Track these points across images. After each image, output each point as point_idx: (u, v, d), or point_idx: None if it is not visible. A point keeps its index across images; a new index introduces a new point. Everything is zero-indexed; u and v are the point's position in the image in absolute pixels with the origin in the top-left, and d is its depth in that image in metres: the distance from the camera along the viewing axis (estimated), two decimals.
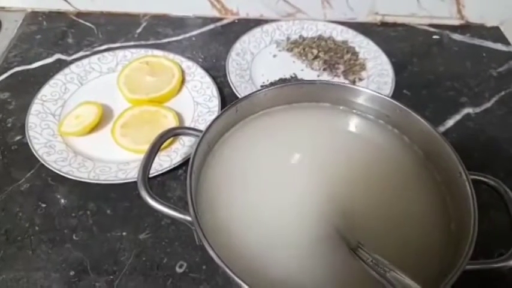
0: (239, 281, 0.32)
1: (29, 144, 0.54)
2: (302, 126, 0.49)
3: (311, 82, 0.54)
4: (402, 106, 0.45)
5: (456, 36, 0.79)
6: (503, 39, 0.78)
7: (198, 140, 0.41)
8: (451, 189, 0.42)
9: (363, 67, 0.69)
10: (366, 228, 0.40)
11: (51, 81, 0.62)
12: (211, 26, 0.77)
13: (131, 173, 0.52)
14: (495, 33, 0.79)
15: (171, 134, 0.45)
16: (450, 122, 0.63)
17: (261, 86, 0.65)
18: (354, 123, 0.49)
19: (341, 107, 0.49)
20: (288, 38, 0.74)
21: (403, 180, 0.45)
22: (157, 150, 0.43)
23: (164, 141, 0.44)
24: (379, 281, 0.33)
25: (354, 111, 0.49)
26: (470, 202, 0.37)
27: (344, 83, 0.55)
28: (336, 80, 0.67)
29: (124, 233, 0.49)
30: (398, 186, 0.44)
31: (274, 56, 0.72)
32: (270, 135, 0.48)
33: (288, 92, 0.49)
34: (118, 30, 0.75)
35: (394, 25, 0.80)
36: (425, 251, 0.39)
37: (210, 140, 0.44)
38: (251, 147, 0.46)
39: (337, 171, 0.45)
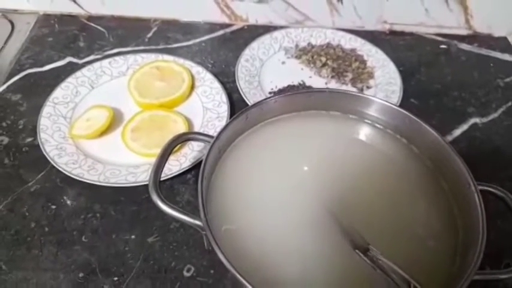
0: (248, 286, 0.32)
1: (41, 146, 0.54)
2: (311, 134, 0.49)
3: (321, 90, 0.55)
4: (412, 116, 0.45)
5: (464, 46, 0.79)
6: (510, 50, 0.79)
7: (209, 146, 0.41)
8: (458, 199, 0.42)
9: (371, 75, 0.70)
10: (372, 236, 0.40)
11: (63, 84, 0.63)
12: (221, 32, 0.78)
13: (141, 177, 0.52)
14: (503, 44, 0.80)
15: (182, 139, 0.46)
16: (457, 132, 0.63)
17: (270, 93, 0.66)
18: (363, 132, 0.49)
19: (350, 116, 0.50)
20: (297, 45, 0.74)
21: (410, 190, 0.45)
22: (169, 154, 0.43)
23: (175, 146, 0.44)
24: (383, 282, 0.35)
25: (364, 120, 0.50)
26: (479, 213, 0.37)
27: (354, 91, 0.55)
28: (344, 87, 0.68)
29: (132, 236, 0.49)
30: (405, 194, 0.44)
31: (283, 62, 0.72)
32: (279, 142, 0.48)
33: (298, 99, 0.49)
34: (129, 34, 0.76)
35: (402, 34, 0.80)
36: (433, 260, 0.39)
37: (220, 146, 0.44)
38: (260, 153, 0.47)
39: (345, 179, 0.45)
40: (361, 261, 0.37)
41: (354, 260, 0.38)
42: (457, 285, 0.33)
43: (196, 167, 0.54)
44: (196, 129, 0.60)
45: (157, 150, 0.43)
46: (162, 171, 0.42)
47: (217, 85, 0.65)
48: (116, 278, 0.46)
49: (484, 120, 0.65)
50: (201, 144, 0.56)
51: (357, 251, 0.38)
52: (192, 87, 0.65)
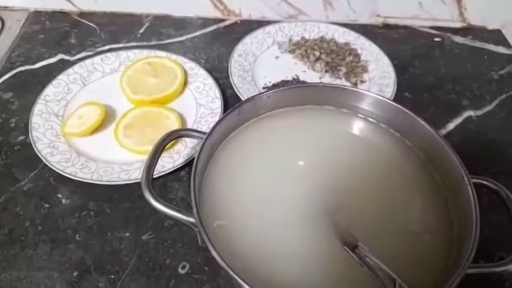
0: (242, 283, 0.32)
1: (32, 144, 0.54)
2: (305, 128, 0.49)
3: (314, 85, 0.54)
4: (405, 110, 0.45)
5: (457, 39, 0.79)
6: (504, 42, 0.79)
7: (201, 143, 0.41)
8: (452, 193, 0.42)
9: (364, 69, 0.69)
10: (366, 229, 0.40)
11: (55, 82, 0.62)
12: (214, 27, 0.78)
13: (134, 174, 0.52)
14: (496, 36, 0.80)
15: (175, 136, 0.45)
16: (451, 125, 0.63)
17: (263, 88, 0.66)
18: (356, 126, 0.49)
19: (344, 110, 0.50)
20: (290, 40, 0.74)
21: (404, 183, 0.45)
22: (161, 151, 0.43)
23: (168, 143, 0.44)
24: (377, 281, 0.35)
25: (357, 114, 0.49)
26: (472, 206, 0.37)
27: (347, 86, 0.55)
28: (337, 82, 0.68)
29: (127, 234, 0.49)
30: (399, 189, 0.44)
31: (277, 57, 0.72)
32: (273, 137, 0.48)
33: (291, 94, 0.49)
34: (121, 30, 0.75)
35: (396, 27, 0.80)
36: (427, 254, 0.39)
37: (213, 142, 0.44)
38: (254, 149, 0.47)
39: (339, 174, 0.45)
40: (353, 260, 0.37)
41: (348, 258, 0.38)
42: (450, 278, 0.33)
43: (189, 163, 0.54)
44: (189, 125, 0.60)
45: (150, 147, 0.43)
46: (154, 168, 0.42)
47: (210, 81, 0.64)
48: (110, 276, 0.45)
49: (479, 113, 0.65)
50: (194, 140, 0.56)
51: (345, 247, 0.38)
52: (185, 83, 0.65)
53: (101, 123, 0.58)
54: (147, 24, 0.77)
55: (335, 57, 0.70)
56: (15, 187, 0.52)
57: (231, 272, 0.33)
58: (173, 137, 0.45)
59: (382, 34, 0.78)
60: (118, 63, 0.67)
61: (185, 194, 0.53)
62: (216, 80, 0.65)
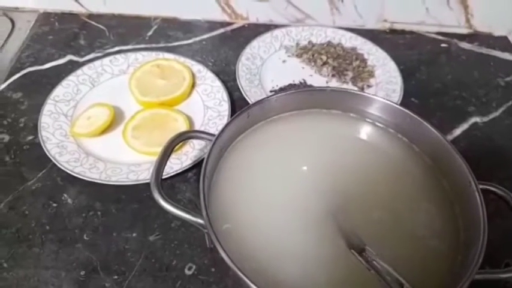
0: (251, 284, 0.32)
1: (42, 144, 0.54)
2: (313, 132, 0.49)
3: (322, 89, 0.54)
4: (413, 115, 0.45)
5: (464, 45, 0.79)
6: (510, 49, 0.79)
7: (211, 144, 0.41)
8: (459, 198, 0.42)
9: (371, 74, 0.70)
10: (372, 233, 0.40)
11: (64, 82, 0.63)
12: (221, 30, 0.78)
13: (142, 175, 0.52)
14: (503, 43, 0.80)
15: (184, 138, 0.46)
16: (457, 131, 0.63)
17: (271, 91, 0.66)
18: (364, 131, 0.49)
19: (351, 114, 0.50)
20: (297, 44, 0.75)
21: (411, 188, 0.45)
22: (170, 153, 0.43)
23: (177, 144, 0.44)
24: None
25: (365, 118, 0.50)
26: (480, 211, 0.37)
27: (355, 90, 0.55)
28: (344, 86, 0.68)
29: (134, 234, 0.49)
30: (407, 193, 0.44)
31: (284, 61, 0.72)
32: (280, 140, 0.48)
33: (300, 98, 0.49)
34: (129, 32, 0.76)
35: (403, 33, 0.81)
36: (433, 259, 0.39)
37: (222, 144, 0.44)
38: (262, 152, 0.47)
39: (346, 177, 0.45)
40: (359, 263, 0.37)
41: (354, 261, 0.38)
42: (458, 285, 0.33)
43: (197, 165, 0.55)
44: (197, 127, 0.60)
45: (158, 149, 0.43)
46: (163, 169, 0.42)
47: (218, 83, 0.65)
48: (117, 276, 0.46)
49: (485, 119, 0.65)
50: (202, 142, 0.56)
51: (352, 251, 0.38)
52: (193, 85, 0.65)
53: (110, 124, 0.58)
54: (155, 26, 0.78)
55: (342, 61, 0.71)
56: (24, 186, 0.53)
57: (239, 273, 0.33)
58: (183, 138, 0.45)
59: (389, 39, 0.79)
60: (127, 64, 0.67)
61: (193, 195, 0.53)
62: (224, 82, 0.65)
